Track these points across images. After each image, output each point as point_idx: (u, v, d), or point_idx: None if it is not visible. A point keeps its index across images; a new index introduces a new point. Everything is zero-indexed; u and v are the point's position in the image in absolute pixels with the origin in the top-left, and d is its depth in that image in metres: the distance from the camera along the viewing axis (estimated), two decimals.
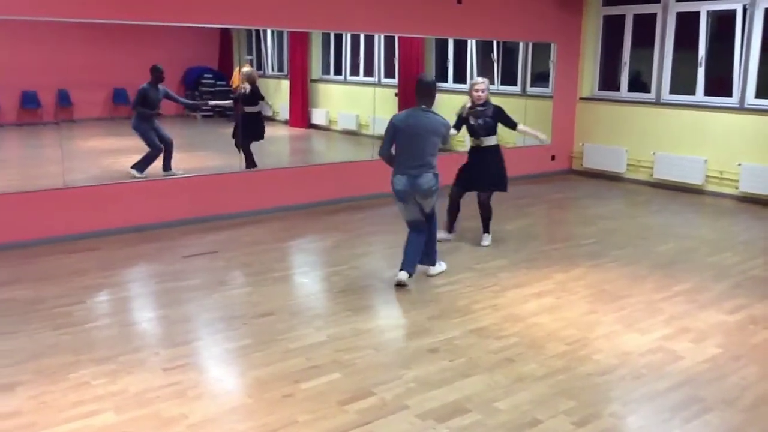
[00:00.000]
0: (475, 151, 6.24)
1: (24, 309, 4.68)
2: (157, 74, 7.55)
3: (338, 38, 9.74)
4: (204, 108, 8.95)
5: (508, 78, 10.16)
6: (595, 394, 3.60)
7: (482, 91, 6.07)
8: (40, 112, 7.90)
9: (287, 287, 5.35)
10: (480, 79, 6.16)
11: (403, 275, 5.16)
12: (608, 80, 10.29)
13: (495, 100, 6.27)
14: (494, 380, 3.71)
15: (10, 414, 3.31)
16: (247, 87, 8.02)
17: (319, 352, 4.03)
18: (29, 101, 7.90)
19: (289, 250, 6.52)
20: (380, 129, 5.27)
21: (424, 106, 5.13)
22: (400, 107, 8.63)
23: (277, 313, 4.67)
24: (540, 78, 10.37)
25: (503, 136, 6.47)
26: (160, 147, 7.58)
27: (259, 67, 9.38)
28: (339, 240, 6.62)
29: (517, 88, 10.24)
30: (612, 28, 10.09)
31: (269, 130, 8.52)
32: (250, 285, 5.29)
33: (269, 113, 9.28)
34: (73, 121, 8.21)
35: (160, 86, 7.61)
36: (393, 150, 5.21)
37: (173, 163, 7.69)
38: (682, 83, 9.27)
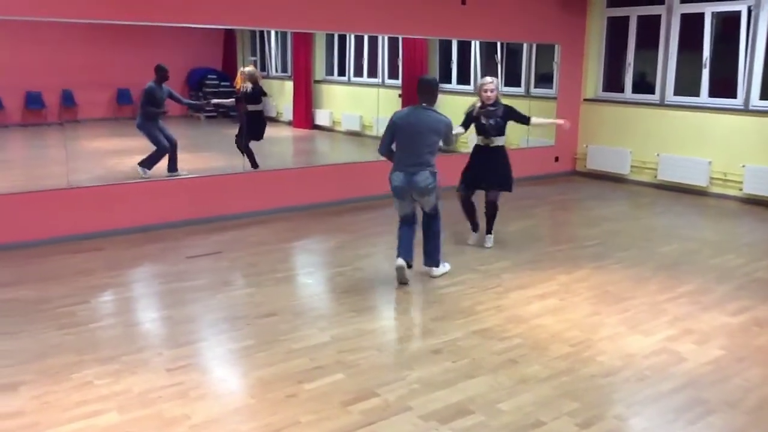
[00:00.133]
0: (483, 151, 6.18)
1: (28, 309, 4.69)
2: (161, 73, 7.56)
3: (342, 39, 9.75)
4: (208, 108, 8.97)
5: (512, 79, 10.15)
6: (599, 395, 3.60)
7: (491, 91, 6.02)
8: (45, 113, 7.93)
9: (291, 288, 5.35)
10: (489, 79, 6.10)
11: (401, 261, 5.22)
12: (612, 82, 10.27)
13: None
14: (497, 381, 3.71)
15: (14, 414, 3.32)
16: (248, 86, 8.05)
17: (323, 353, 4.04)
18: (33, 102, 7.93)
19: (293, 250, 6.53)
20: (384, 130, 5.28)
21: (424, 104, 5.15)
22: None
23: (281, 313, 4.67)
24: (544, 79, 10.36)
25: (506, 136, 6.44)
26: (166, 146, 7.59)
27: (263, 68, 9.40)
28: (343, 241, 6.62)
29: (521, 90, 10.24)
30: (616, 29, 10.08)
31: (273, 131, 8.53)
32: (253, 285, 5.29)
33: (273, 113, 9.30)
34: (77, 121, 8.23)
35: (164, 86, 7.63)
36: (394, 147, 5.24)
37: (179, 164, 7.70)
38: (687, 85, 9.25)
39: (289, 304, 4.88)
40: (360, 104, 9.83)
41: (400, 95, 9.16)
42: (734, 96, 8.70)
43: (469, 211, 6.38)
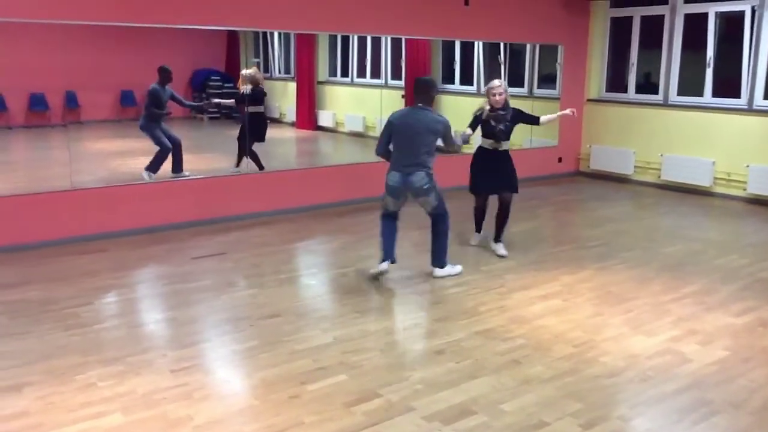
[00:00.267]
0: (493, 154, 6.07)
1: (34, 310, 4.71)
2: (164, 75, 7.58)
3: (345, 40, 9.76)
4: (210, 110, 8.99)
5: (515, 80, 10.15)
6: (603, 396, 3.59)
7: (500, 95, 5.88)
8: (48, 114, 7.95)
9: (294, 289, 5.36)
10: (497, 82, 5.95)
11: (385, 266, 5.23)
12: (616, 82, 10.26)
13: None
14: (501, 382, 3.71)
15: (18, 414, 3.33)
16: (248, 87, 8.07)
17: (326, 354, 4.04)
18: (37, 103, 7.96)
19: (296, 251, 6.54)
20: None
21: (421, 104, 5.16)
22: None
23: (284, 314, 4.68)
24: (547, 80, 10.35)
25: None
26: (168, 146, 7.61)
27: (266, 69, 9.40)
28: (346, 242, 6.63)
29: (524, 90, 10.23)
30: (619, 29, 10.07)
31: (276, 132, 8.54)
32: (257, 286, 5.30)
33: (276, 115, 9.31)
34: (81, 123, 8.26)
35: (167, 87, 7.65)
36: (391, 147, 5.25)
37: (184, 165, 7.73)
38: (690, 85, 9.24)
39: (292, 305, 4.89)
40: (363, 105, 9.84)
41: (403, 96, 9.16)
42: (738, 96, 8.69)
43: (481, 216, 6.37)
